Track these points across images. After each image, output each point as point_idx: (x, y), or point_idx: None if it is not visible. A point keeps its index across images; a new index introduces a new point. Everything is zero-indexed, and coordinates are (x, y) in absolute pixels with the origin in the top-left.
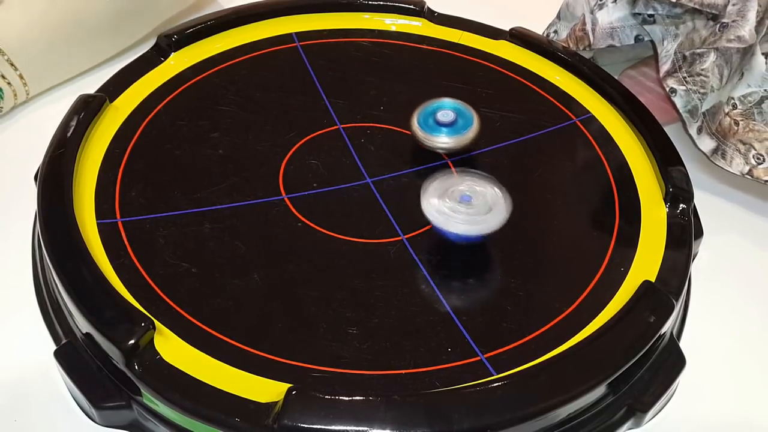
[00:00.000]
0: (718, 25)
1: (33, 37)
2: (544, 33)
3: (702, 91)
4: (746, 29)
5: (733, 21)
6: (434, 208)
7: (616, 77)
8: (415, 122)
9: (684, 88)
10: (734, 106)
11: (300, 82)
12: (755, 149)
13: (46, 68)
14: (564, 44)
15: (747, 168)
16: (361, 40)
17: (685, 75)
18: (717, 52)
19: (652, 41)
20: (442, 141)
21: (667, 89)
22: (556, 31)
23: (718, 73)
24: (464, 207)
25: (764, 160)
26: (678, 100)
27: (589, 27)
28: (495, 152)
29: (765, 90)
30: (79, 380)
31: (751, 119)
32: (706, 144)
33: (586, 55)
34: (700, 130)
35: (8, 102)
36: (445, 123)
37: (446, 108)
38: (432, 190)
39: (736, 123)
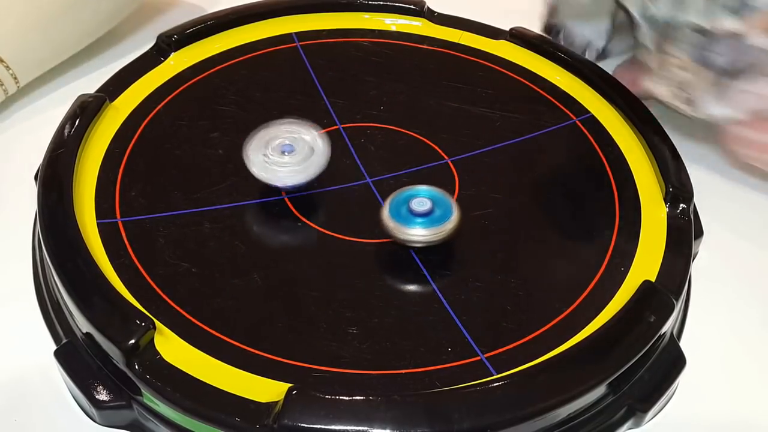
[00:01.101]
0: None
1: (6, 17)
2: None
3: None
4: None
5: None
6: (260, 166)
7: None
8: (385, 211)
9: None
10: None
11: (300, 82)
12: (671, 78)
13: (28, 51)
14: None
15: (666, 94)
16: (361, 40)
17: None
18: None
19: None
20: (416, 233)
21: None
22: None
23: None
24: (288, 157)
25: (676, 88)
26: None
27: None
28: (495, 152)
29: (688, 26)
30: (79, 380)
31: (670, 55)
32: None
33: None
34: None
35: None
36: (420, 213)
37: (422, 196)
38: (254, 146)
39: (657, 58)
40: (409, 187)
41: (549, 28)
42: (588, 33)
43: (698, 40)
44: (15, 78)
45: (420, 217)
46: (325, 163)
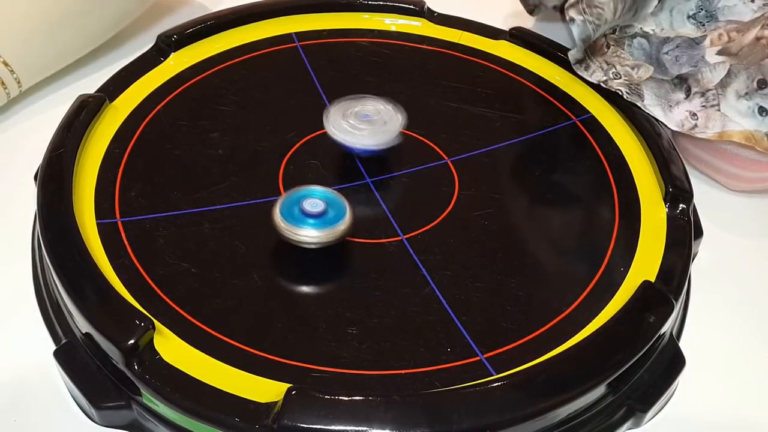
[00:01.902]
0: None
1: (12, 21)
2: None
3: (597, 22)
4: None
5: None
6: (341, 129)
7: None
8: (277, 212)
9: (582, 18)
10: (613, 31)
11: (300, 82)
12: (615, 69)
13: (32, 55)
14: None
15: (604, 78)
16: (361, 40)
17: (584, 6)
18: None
19: None
20: (308, 234)
21: (567, 18)
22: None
23: (614, 7)
24: (366, 124)
25: (620, 77)
26: (575, 29)
27: None
28: (495, 152)
29: (641, 29)
30: (78, 380)
31: (621, 47)
32: (575, 54)
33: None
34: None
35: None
36: (312, 214)
37: (315, 197)
38: (334, 113)
39: (608, 46)
40: (303, 187)
41: None
42: None
43: (652, 41)
44: (18, 81)
45: (312, 218)
46: (397, 131)
